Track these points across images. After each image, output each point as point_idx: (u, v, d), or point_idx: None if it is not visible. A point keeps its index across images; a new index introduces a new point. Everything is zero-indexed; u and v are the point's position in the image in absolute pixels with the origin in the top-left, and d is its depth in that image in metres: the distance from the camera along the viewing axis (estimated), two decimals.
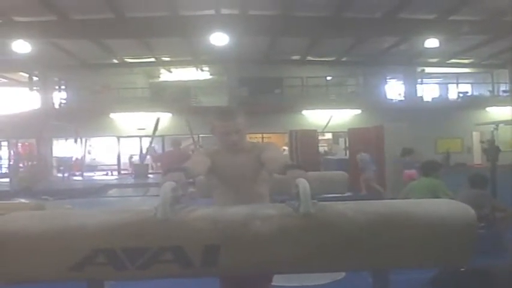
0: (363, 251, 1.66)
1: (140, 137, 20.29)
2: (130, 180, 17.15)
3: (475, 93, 23.00)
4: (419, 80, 22.41)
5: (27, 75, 20.17)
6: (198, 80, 21.21)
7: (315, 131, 14.00)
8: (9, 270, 1.64)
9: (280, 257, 1.65)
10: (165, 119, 19.20)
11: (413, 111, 18.43)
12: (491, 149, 7.96)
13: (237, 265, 1.67)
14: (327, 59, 20.28)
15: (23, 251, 1.61)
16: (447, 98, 23.16)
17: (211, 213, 1.71)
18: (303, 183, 1.64)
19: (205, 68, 21.18)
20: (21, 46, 13.32)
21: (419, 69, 21.97)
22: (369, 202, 1.81)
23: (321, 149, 17.26)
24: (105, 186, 13.90)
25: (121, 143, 20.60)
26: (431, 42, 14.85)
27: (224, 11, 12.91)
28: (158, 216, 1.60)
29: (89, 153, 20.87)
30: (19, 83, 21.11)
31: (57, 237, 1.62)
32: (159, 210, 1.60)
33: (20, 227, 1.64)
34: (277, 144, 2.61)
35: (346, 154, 13.53)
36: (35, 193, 10.82)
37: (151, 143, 13.67)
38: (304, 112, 19.80)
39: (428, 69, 22.35)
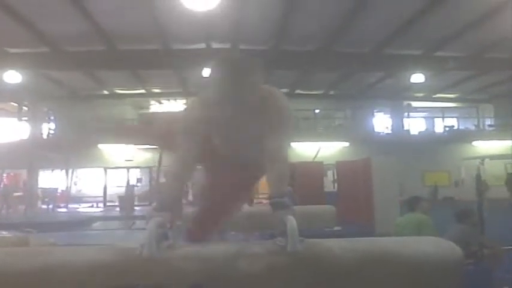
0: None
1: (128, 168, 20.19)
2: (116, 213, 16.94)
3: (461, 127, 23.31)
4: (406, 113, 22.69)
5: (16, 105, 20.09)
6: None
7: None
8: None
9: None
10: (153, 150, 19.15)
11: (400, 144, 18.60)
12: (479, 184, 8.01)
13: None
14: (315, 92, 20.51)
15: None
16: (434, 131, 23.43)
17: (197, 251, 1.68)
18: (290, 221, 1.63)
19: None
20: (12, 76, 13.35)
21: (405, 103, 22.27)
22: (358, 239, 1.81)
23: None
24: (90, 219, 13.70)
25: (108, 175, 20.42)
26: (418, 77, 15.15)
27: (215, 45, 13.07)
28: (143, 255, 1.57)
29: (75, 184, 20.66)
30: (8, 113, 20.99)
31: (40, 276, 1.58)
32: (144, 247, 1.57)
33: (2, 265, 1.60)
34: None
35: (334, 187, 13.45)
36: (19, 225, 10.62)
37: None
38: (293, 144, 19.89)
39: (414, 103, 22.67)
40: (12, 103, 20.09)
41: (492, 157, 12.74)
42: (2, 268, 1.58)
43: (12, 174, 19.67)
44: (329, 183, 16.35)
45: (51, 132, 20.82)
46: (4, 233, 9.04)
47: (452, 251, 1.72)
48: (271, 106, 2.01)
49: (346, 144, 20.41)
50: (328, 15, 11.05)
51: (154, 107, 21.58)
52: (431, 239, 1.93)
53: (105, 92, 19.13)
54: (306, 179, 11.52)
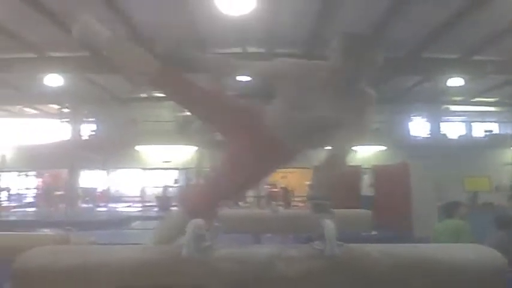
0: None
1: (165, 169, 20.52)
2: (154, 213, 17.21)
3: (501, 132, 22.63)
4: (443, 117, 22.19)
5: (57, 107, 20.69)
6: None
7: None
8: None
9: None
10: (190, 152, 19.41)
11: (438, 148, 18.20)
12: None
13: None
14: None
15: (50, 285, 1.62)
16: (472, 136, 22.82)
17: (235, 253, 1.71)
18: (328, 224, 1.63)
19: None
20: (54, 80, 13.76)
21: (443, 106, 21.79)
22: (396, 245, 1.79)
23: None
24: (129, 218, 13.97)
25: (146, 175, 20.80)
26: (456, 81, 14.80)
27: (251, 49, 13.13)
28: (183, 255, 1.60)
29: (114, 184, 21.11)
30: (49, 115, 21.64)
31: (81, 274, 1.62)
32: (184, 248, 1.60)
33: (44, 263, 1.65)
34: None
35: (370, 191, 13.24)
36: (60, 223, 10.93)
37: None
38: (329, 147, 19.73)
39: (452, 107, 22.14)
40: (53, 105, 20.70)
41: None
42: (43, 265, 1.63)
43: (53, 173, 20.27)
44: (365, 188, 16.12)
45: (92, 133, 21.35)
46: (45, 231, 9.32)
47: (494, 258, 1.68)
48: (362, 105, 2.07)
49: (383, 148, 20.12)
50: (364, 18, 10.92)
51: None
52: (472, 246, 1.89)
53: (144, 95, 19.47)
54: (343, 183, 11.35)
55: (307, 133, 2.12)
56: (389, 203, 10.27)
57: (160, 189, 19.91)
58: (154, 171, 20.73)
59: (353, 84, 1.99)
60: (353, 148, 2.08)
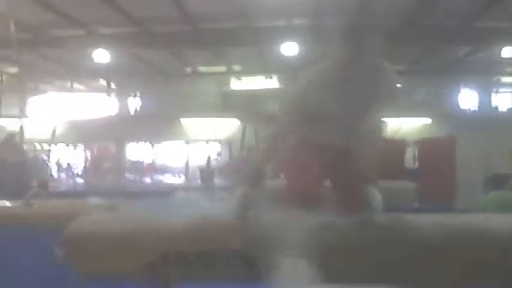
0: (440, 266, 1.62)
1: (207, 141, 20.75)
2: (197, 184, 17.49)
3: None
4: (494, 89, 21.32)
5: (105, 83, 21.13)
6: (267, 89, 21.34)
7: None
8: (87, 267, 1.75)
9: (352, 269, 1.66)
10: (234, 126, 19.52)
11: (487, 121, 17.55)
12: None
13: None
14: (397, 67, 19.75)
15: (99, 250, 1.72)
16: None
17: (283, 219, 1.74)
18: (374, 193, 1.65)
19: (274, 77, 21.26)
20: (102, 56, 14.06)
21: (495, 78, 20.92)
22: (443, 215, 1.79)
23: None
24: (173, 189, 14.24)
25: (189, 148, 21.10)
26: (508, 51, 14.15)
27: (295, 21, 12.96)
28: (234, 220, 1.65)
29: (159, 157, 21.54)
30: (98, 90, 22.15)
31: (128, 240, 1.70)
32: (234, 214, 1.66)
33: (93, 230, 1.74)
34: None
35: (415, 164, 12.98)
36: (109, 193, 11.29)
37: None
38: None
39: (504, 79, 21.22)
40: (101, 80, 21.15)
41: None
42: (92, 232, 1.72)
43: (102, 146, 20.85)
44: (410, 161, 15.86)
45: (138, 108, 21.75)
46: (93, 199, 9.66)
47: None
48: (380, 79, 2.11)
49: (429, 121, 19.61)
50: None
51: (235, 84, 21.85)
52: None
53: (188, 70, 19.62)
54: (387, 156, 11.18)
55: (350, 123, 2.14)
56: (434, 176, 10.10)
57: (204, 162, 20.18)
58: (198, 143, 20.97)
59: (361, 67, 2.01)
60: (384, 120, 2.09)
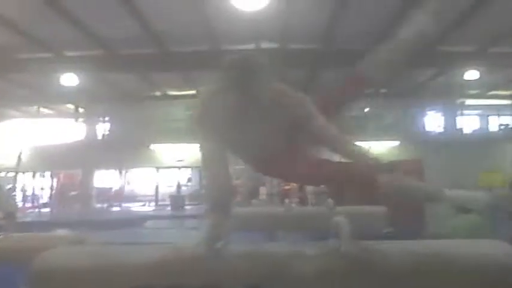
0: None
1: (179, 167, 20.60)
2: (167, 212, 17.30)
3: None
4: (459, 111, 21.95)
5: (73, 107, 20.83)
6: None
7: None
8: None
9: None
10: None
11: (453, 143, 18.02)
12: None
13: None
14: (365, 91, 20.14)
15: (67, 286, 1.63)
16: (488, 130, 22.54)
17: (251, 251, 1.70)
18: (343, 223, 1.62)
19: None
20: (70, 79, 13.87)
21: (459, 101, 21.55)
22: (412, 242, 1.77)
23: None
24: (143, 218, 14.05)
25: (159, 175, 20.89)
26: (471, 74, 14.63)
27: (264, 45, 13.09)
28: (200, 254, 1.60)
29: (128, 184, 21.24)
30: (65, 115, 21.80)
31: (97, 275, 1.63)
32: (201, 247, 1.60)
33: (60, 264, 1.66)
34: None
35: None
36: (75, 223, 11.04)
37: None
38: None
39: (468, 101, 21.89)
40: (69, 105, 20.84)
41: None
42: (59, 267, 1.64)
43: (68, 174, 20.44)
44: None
45: (106, 133, 21.48)
46: (61, 231, 9.42)
47: (510, 253, 1.66)
48: (284, 101, 2.06)
49: (397, 143, 20.00)
50: (377, 12, 10.84)
51: None
52: (489, 242, 1.87)
53: (158, 94, 19.54)
54: (358, 179, 11.25)
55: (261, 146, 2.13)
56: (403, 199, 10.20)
57: (174, 189, 20.04)
58: (168, 170, 20.80)
59: (255, 95, 1.95)
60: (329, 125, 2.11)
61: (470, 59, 13.73)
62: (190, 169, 21.02)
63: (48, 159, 17.20)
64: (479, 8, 10.40)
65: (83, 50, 12.75)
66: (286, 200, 7.21)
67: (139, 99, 19.68)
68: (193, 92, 19.35)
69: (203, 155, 2.03)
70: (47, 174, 20.70)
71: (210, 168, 2.00)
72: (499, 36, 12.21)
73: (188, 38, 12.15)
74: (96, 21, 11.04)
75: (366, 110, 22.08)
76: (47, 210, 16.71)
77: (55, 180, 19.91)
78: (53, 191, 19.33)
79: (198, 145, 2.06)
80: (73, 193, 18.70)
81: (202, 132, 2.06)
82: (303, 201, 12.12)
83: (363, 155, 1.97)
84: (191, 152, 20.23)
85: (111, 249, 1.95)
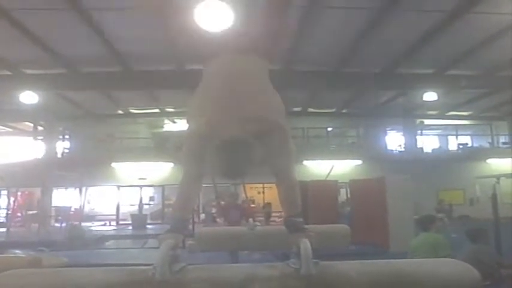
0: None
1: (141, 186, 20.29)
2: (129, 231, 16.94)
3: (475, 145, 23.09)
4: (418, 131, 22.53)
5: (32, 125, 20.34)
6: None
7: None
8: None
9: None
10: (167, 168, 19.27)
11: (413, 162, 18.46)
12: (495, 203, 7.85)
13: None
14: (327, 111, 20.48)
15: None
16: (447, 149, 23.22)
17: (209, 274, 1.66)
18: (304, 243, 1.61)
19: None
20: (29, 97, 13.56)
21: (418, 120, 22.14)
22: (373, 262, 1.78)
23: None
24: (103, 237, 13.72)
25: (121, 193, 20.51)
26: (430, 96, 15.08)
27: None
28: (156, 277, 1.56)
29: (88, 202, 20.72)
30: (24, 132, 21.27)
31: None
32: (157, 270, 1.56)
33: (18, 286, 1.60)
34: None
35: (348, 205, 13.30)
36: (32, 244, 10.66)
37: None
38: (305, 162, 19.80)
39: (427, 121, 22.52)
40: (27, 123, 20.35)
41: (508, 175, 12.51)
42: None
43: (26, 192, 19.81)
44: (343, 202, 16.27)
45: (66, 151, 21.02)
46: (18, 252, 9.08)
47: (468, 272, 1.70)
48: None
49: (359, 162, 20.31)
50: (339, 36, 11.08)
51: (168, 126, 21.72)
52: (447, 261, 1.89)
53: (120, 112, 19.29)
54: (320, 198, 11.34)
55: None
56: (366, 217, 10.34)
57: (136, 208, 19.68)
58: (130, 188, 20.45)
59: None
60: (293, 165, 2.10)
61: (428, 81, 14.18)
62: (152, 188, 20.75)
63: (6, 178, 16.61)
64: (436, 33, 10.77)
65: (44, 68, 12.53)
66: (250, 219, 7.16)
67: (101, 117, 19.40)
68: (156, 110, 19.23)
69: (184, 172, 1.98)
70: (4, 193, 20.05)
71: (185, 188, 1.97)
72: (456, 59, 12.67)
73: (151, 57, 12.10)
74: (56, 40, 10.89)
75: (329, 129, 22.46)
76: (3, 230, 16.05)
77: (12, 199, 19.21)
78: (10, 210, 18.63)
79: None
80: (31, 212, 18.08)
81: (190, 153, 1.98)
82: (268, 219, 12.07)
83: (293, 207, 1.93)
84: (154, 170, 20.06)
85: (67, 272, 1.89)
